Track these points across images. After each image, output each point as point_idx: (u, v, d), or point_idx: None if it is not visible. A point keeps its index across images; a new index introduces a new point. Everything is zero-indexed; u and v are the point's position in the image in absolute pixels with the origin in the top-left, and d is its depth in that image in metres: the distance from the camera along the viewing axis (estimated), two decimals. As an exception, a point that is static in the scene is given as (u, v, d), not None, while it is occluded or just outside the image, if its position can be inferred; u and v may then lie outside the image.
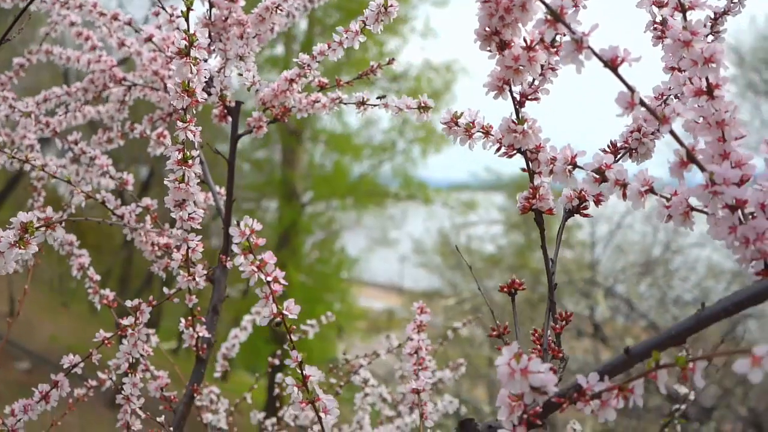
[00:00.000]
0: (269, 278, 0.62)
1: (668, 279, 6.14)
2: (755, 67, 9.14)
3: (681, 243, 6.77)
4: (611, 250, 7.15)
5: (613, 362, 0.52)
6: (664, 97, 0.68)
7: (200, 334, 0.97)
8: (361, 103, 0.95)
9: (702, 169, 0.51)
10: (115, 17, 1.11)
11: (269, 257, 0.62)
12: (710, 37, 0.68)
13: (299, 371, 0.64)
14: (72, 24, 1.20)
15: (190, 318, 0.96)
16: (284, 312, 0.63)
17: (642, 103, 0.50)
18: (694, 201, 0.55)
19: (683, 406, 1.09)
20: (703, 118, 0.54)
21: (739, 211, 0.52)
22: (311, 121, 11.61)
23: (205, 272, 0.91)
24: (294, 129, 11.33)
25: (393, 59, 1.00)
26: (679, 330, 0.50)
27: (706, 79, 0.53)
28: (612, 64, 0.51)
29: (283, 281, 0.62)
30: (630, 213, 6.78)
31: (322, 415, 0.64)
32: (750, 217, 0.51)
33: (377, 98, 0.98)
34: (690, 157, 0.51)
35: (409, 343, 0.96)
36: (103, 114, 1.30)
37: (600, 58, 0.50)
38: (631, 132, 0.68)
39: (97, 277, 1.11)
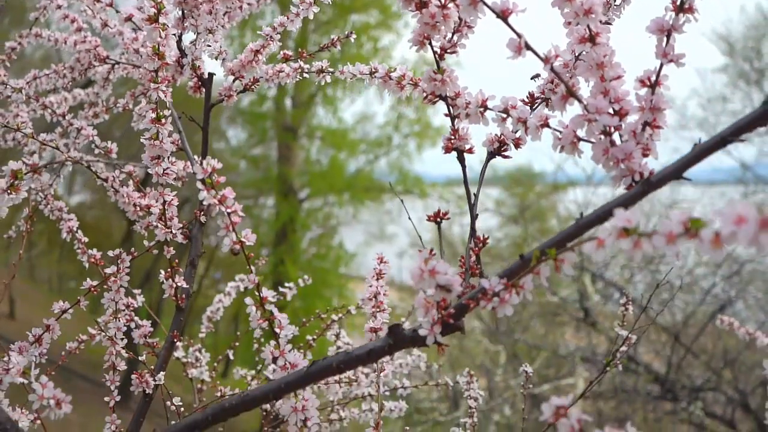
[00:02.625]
0: (229, 210, 0.72)
1: (656, 264, 6.25)
2: (746, 56, 9.23)
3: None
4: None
5: (511, 267, 0.62)
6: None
7: (179, 285, 1.07)
8: (321, 71, 1.05)
9: (580, 101, 0.61)
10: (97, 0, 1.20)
11: (229, 192, 0.72)
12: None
13: (257, 293, 0.74)
14: (59, 7, 1.29)
15: (169, 270, 1.06)
16: (243, 239, 0.73)
17: (527, 47, 0.60)
18: (581, 133, 0.65)
19: (624, 348, 1.19)
20: (586, 62, 0.64)
21: (618, 137, 0.62)
22: (307, 118, 11.69)
23: (181, 225, 1.01)
24: (290, 126, 11.42)
25: (351, 33, 1.09)
26: (562, 235, 0.60)
27: (588, 27, 0.63)
28: (503, 14, 0.60)
29: (241, 213, 0.72)
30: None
31: (277, 330, 0.74)
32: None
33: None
34: (570, 92, 0.61)
35: (368, 288, 1.06)
36: (91, 95, 1.40)
37: (492, 10, 0.60)
38: (547, 84, 0.78)
39: (85, 239, 1.20)
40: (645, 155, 0.61)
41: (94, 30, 1.32)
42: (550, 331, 7.24)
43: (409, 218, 1.02)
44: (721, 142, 0.55)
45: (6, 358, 0.75)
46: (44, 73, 1.29)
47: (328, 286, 11.24)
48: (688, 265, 7.44)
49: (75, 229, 1.22)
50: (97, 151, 1.15)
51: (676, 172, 0.57)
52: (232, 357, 1.51)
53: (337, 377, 1.15)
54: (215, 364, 1.49)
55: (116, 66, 1.29)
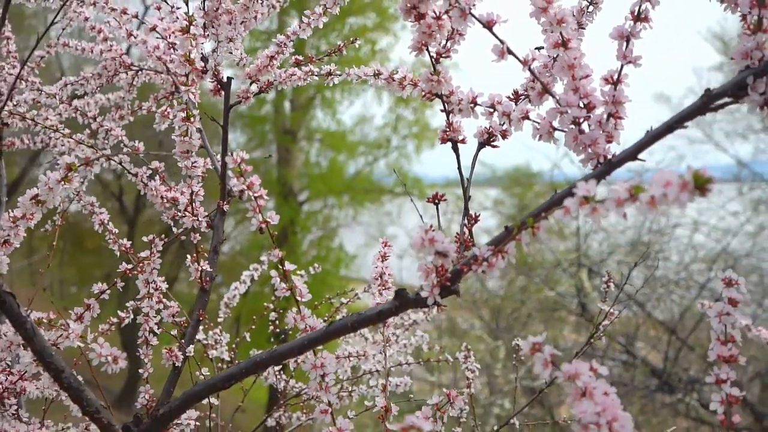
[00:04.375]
0: (256, 194, 0.84)
1: (653, 260, 6.36)
2: (740, 55, 9.33)
3: (664, 224, 7.00)
4: (598, 233, 7.38)
5: (497, 237, 0.74)
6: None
7: (204, 269, 1.19)
8: (329, 74, 1.17)
9: (553, 96, 0.73)
10: (124, 12, 1.32)
11: (256, 179, 0.84)
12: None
13: (281, 267, 0.86)
14: (86, 19, 1.41)
15: (195, 255, 1.18)
16: (267, 219, 0.84)
17: (509, 51, 0.72)
18: (555, 123, 0.77)
19: (606, 322, 1.30)
20: (559, 63, 0.75)
21: (587, 126, 0.74)
22: (306, 121, 11.81)
23: (207, 214, 1.13)
24: (289, 129, 11.54)
25: (356, 38, 1.21)
26: (539, 209, 0.72)
27: (561, 34, 0.75)
28: (489, 25, 0.72)
29: (266, 197, 0.84)
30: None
31: (299, 298, 0.86)
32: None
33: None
34: (545, 89, 0.73)
35: (374, 269, 1.18)
36: (112, 100, 1.52)
37: (479, 20, 0.72)
38: (528, 83, 0.89)
39: (116, 231, 1.32)
40: (609, 141, 0.73)
41: (118, 39, 1.44)
42: (549, 327, 7.35)
43: (420, 215, 1.13)
44: (667, 128, 0.67)
45: (64, 325, 0.87)
46: (74, 80, 1.41)
47: (329, 287, 11.32)
48: (685, 260, 7.57)
49: (106, 221, 1.34)
50: (125, 150, 1.27)
51: (632, 155, 0.69)
52: (249, 339, 1.62)
53: (347, 353, 1.26)
54: (233, 345, 1.60)
55: (140, 72, 1.41)
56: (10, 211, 0.93)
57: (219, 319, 1.63)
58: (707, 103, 0.66)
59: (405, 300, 0.78)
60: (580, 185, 0.59)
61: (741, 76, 0.65)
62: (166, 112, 1.37)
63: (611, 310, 1.29)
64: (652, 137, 0.68)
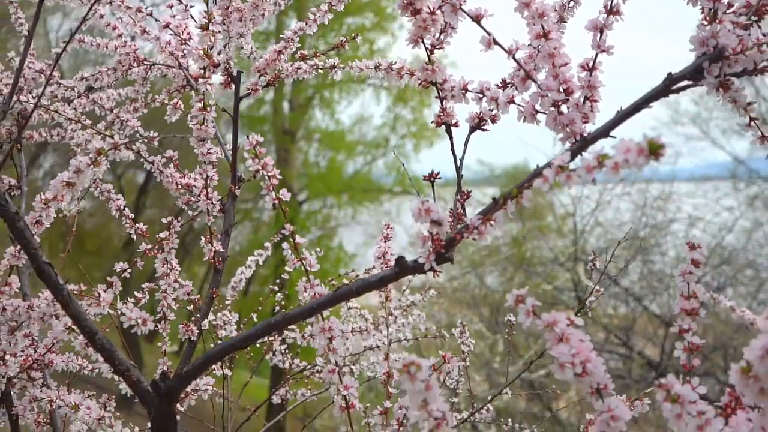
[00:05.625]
0: (269, 174, 0.92)
1: (648, 254, 6.47)
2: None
3: (660, 219, 7.10)
4: (596, 229, 7.50)
5: (486, 208, 0.82)
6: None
7: (217, 249, 1.28)
8: (333, 67, 1.26)
9: (535, 82, 0.82)
10: (138, 10, 1.41)
11: (269, 160, 0.93)
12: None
13: (292, 240, 0.95)
14: (101, 16, 1.50)
15: (209, 236, 1.27)
16: (280, 197, 0.93)
17: (495, 42, 0.81)
18: (538, 107, 0.86)
19: (593, 298, 1.39)
20: (541, 53, 0.84)
21: (565, 108, 0.83)
22: (305, 121, 11.90)
23: (219, 198, 1.22)
24: (288, 129, 11.63)
25: (357, 35, 1.30)
26: (522, 182, 0.80)
27: (542, 26, 0.84)
28: (477, 18, 0.81)
29: (279, 176, 0.93)
30: (607, 190, 7.12)
31: (308, 268, 0.95)
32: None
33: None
34: (527, 75, 0.82)
35: (377, 249, 1.27)
36: (123, 95, 1.60)
37: (469, 15, 0.81)
38: (514, 71, 0.98)
39: (132, 215, 1.41)
40: (585, 122, 0.82)
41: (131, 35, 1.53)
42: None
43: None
44: (635, 108, 0.76)
45: (96, 294, 0.96)
46: (90, 74, 1.50)
47: (329, 287, 11.37)
48: (681, 255, 7.68)
49: (122, 207, 1.42)
50: (140, 140, 1.36)
51: (604, 133, 0.78)
52: (256, 320, 1.71)
53: (350, 327, 1.35)
54: (242, 325, 1.69)
55: (153, 67, 1.50)
56: (42, 193, 1.02)
57: (227, 302, 1.72)
58: (669, 85, 0.75)
59: (404, 266, 0.87)
60: (557, 157, 0.67)
61: (698, 61, 0.74)
62: (177, 105, 1.46)
63: (597, 288, 1.38)
64: (622, 117, 0.77)
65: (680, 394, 0.63)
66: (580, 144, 0.78)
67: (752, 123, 0.78)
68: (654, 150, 0.58)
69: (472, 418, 1.56)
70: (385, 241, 1.27)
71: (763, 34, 0.76)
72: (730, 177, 8.95)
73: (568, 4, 0.98)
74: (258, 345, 1.73)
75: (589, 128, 0.83)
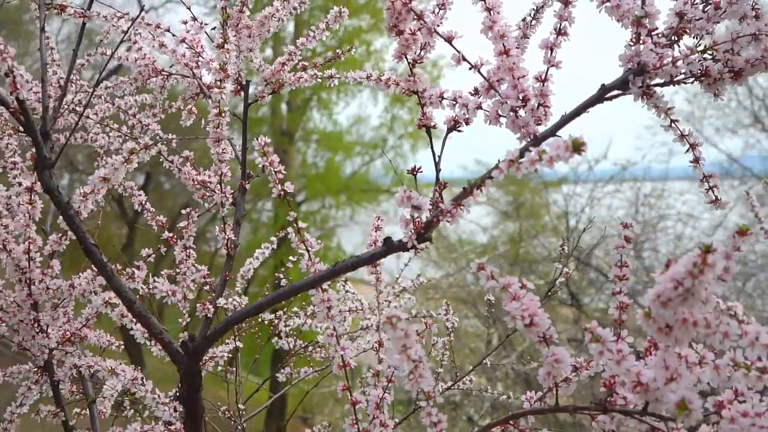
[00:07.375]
0: (276, 170, 1.10)
1: (639, 249, 6.66)
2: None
3: (650, 216, 7.29)
4: (589, 225, 7.68)
5: (458, 195, 1.00)
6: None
7: (230, 237, 1.45)
8: (331, 77, 1.43)
9: (496, 91, 0.99)
10: (157, 26, 1.58)
11: (275, 157, 1.10)
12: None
13: (295, 225, 1.12)
14: (124, 32, 1.67)
15: (222, 225, 1.44)
16: (285, 189, 1.11)
17: (463, 59, 0.98)
18: (500, 112, 1.03)
19: (562, 279, 1.56)
20: (502, 67, 1.02)
21: (522, 113, 1.01)
22: (303, 122, 12.06)
23: (232, 192, 1.39)
24: (286, 130, 11.81)
25: (352, 47, 1.48)
26: (486, 175, 0.98)
27: (503, 45, 1.01)
28: (449, 39, 0.99)
29: (284, 171, 1.10)
30: (598, 188, 7.31)
31: (310, 248, 1.12)
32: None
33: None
34: (490, 86, 1.00)
35: (369, 238, 1.44)
36: (139, 101, 1.78)
37: (441, 36, 0.98)
38: (482, 82, 1.16)
39: (153, 210, 1.58)
40: (538, 124, 0.99)
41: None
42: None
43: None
44: (575, 114, 0.93)
45: (131, 272, 1.13)
46: (114, 83, 1.67)
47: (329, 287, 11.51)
48: (675, 252, 7.86)
49: (144, 202, 1.60)
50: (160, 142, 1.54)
51: (551, 133, 0.95)
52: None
53: (347, 307, 1.53)
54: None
55: (170, 77, 1.67)
56: (81, 187, 1.19)
57: (236, 289, 1.89)
58: (602, 94, 0.93)
59: (391, 245, 1.05)
60: (508, 152, 0.85)
61: (625, 74, 0.92)
62: (192, 110, 1.63)
63: (567, 270, 1.55)
64: (564, 120, 0.94)
65: (601, 335, 0.80)
66: (533, 142, 0.96)
67: (672, 125, 0.96)
68: (577, 147, 0.76)
69: (455, 386, 1.73)
70: (376, 231, 1.45)
71: (689, 49, 0.94)
72: (724, 175, 9.13)
73: (530, 22, 1.16)
74: (265, 323, 1.91)
75: (541, 129, 1.00)
